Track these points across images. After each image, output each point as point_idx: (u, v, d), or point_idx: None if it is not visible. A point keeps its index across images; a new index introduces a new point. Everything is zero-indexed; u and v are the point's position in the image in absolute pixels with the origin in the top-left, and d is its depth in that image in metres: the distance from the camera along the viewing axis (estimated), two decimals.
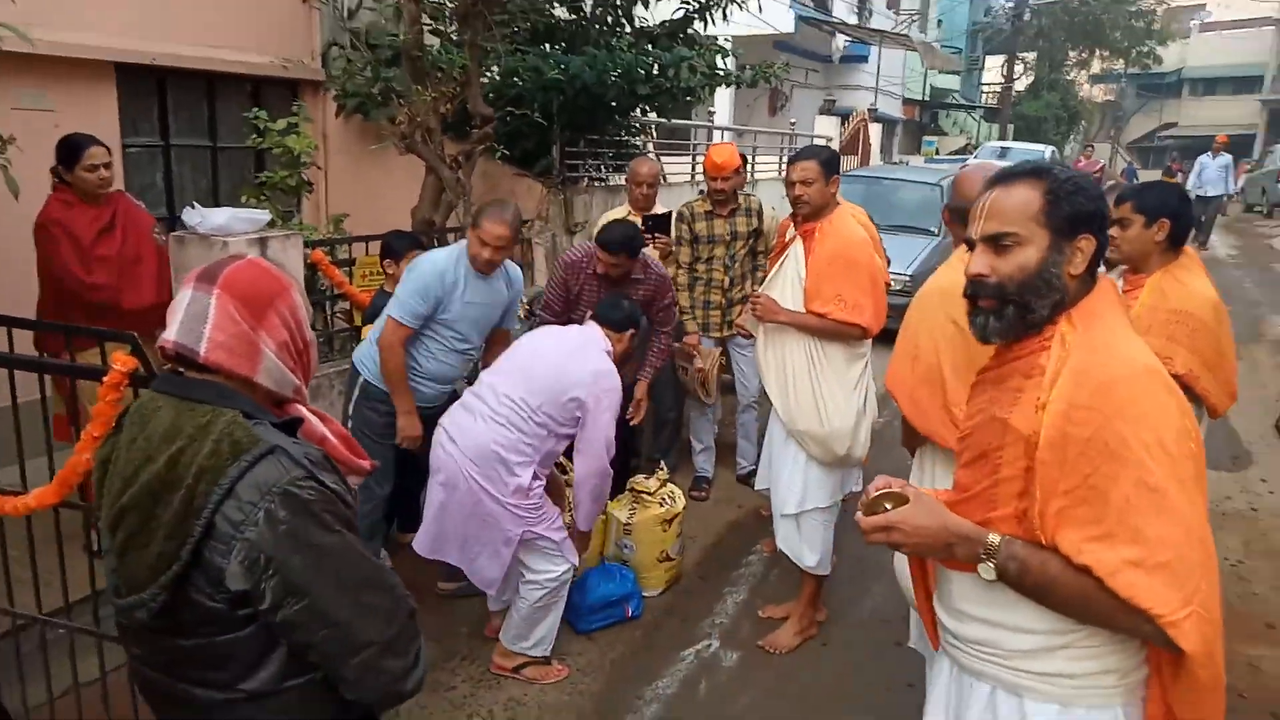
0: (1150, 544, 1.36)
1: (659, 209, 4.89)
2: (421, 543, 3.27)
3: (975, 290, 1.57)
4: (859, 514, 1.57)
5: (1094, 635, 1.49)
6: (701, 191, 4.89)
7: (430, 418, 3.44)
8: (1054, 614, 1.49)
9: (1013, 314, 1.53)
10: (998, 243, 1.53)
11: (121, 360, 2.36)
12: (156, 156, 5.65)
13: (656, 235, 4.67)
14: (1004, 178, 1.58)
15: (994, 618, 1.56)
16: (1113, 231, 2.94)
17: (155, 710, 1.49)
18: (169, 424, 1.34)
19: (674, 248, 4.80)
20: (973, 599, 1.58)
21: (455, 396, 3.55)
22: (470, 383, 4.66)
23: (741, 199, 4.76)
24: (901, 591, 2.67)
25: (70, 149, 3.80)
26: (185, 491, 1.29)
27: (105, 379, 2.36)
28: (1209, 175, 15.14)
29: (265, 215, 4.02)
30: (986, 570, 1.49)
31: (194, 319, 1.39)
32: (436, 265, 3.47)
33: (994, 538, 1.49)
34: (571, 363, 3.19)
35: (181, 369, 1.42)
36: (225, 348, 1.39)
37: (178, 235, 3.97)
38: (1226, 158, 15.37)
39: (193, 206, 3.91)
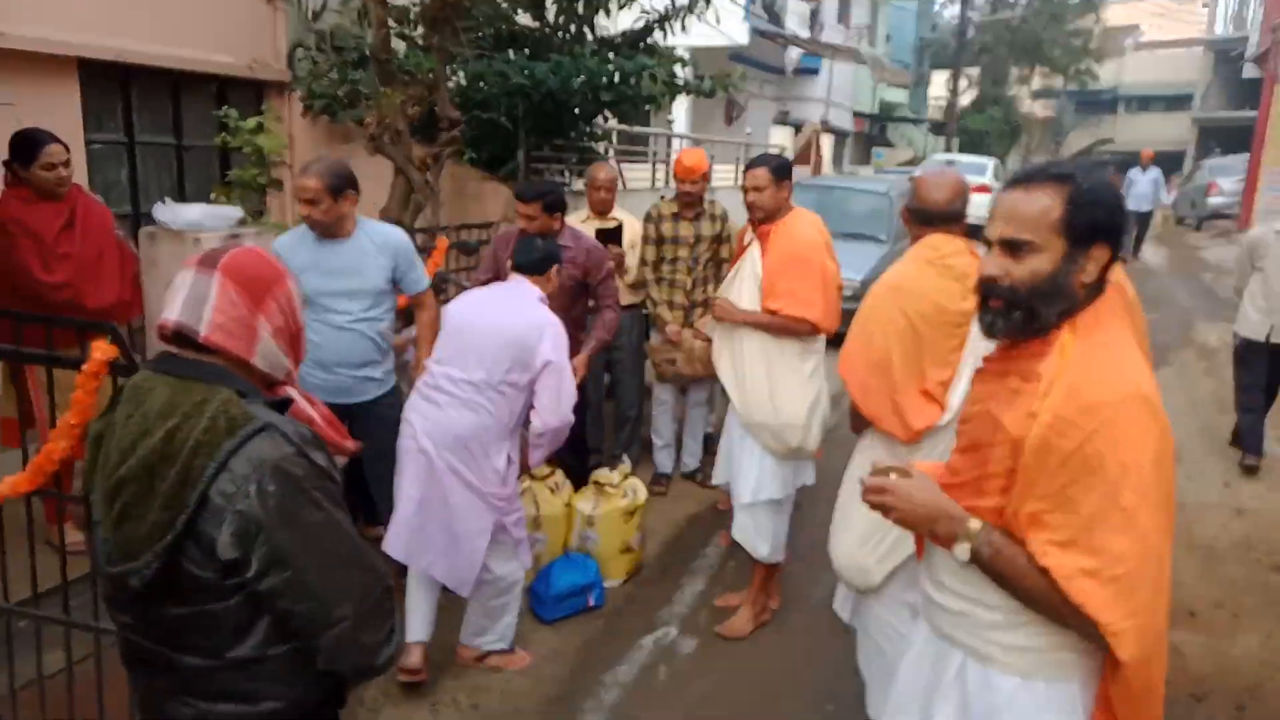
0: (1108, 557, 1.46)
1: (616, 216, 5.05)
2: (395, 547, 3.22)
3: (987, 290, 1.61)
4: (864, 475, 1.70)
5: None
6: (663, 197, 5.06)
7: (348, 411, 3.36)
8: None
9: (1020, 318, 1.57)
10: (1013, 247, 1.56)
11: (101, 349, 2.41)
12: (121, 153, 5.65)
13: (609, 246, 4.79)
14: (1026, 179, 1.59)
15: (969, 593, 1.67)
16: None
17: (139, 677, 1.56)
18: (165, 401, 1.41)
19: (641, 246, 4.96)
20: (951, 571, 1.69)
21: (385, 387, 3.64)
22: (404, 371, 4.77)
23: (707, 204, 4.93)
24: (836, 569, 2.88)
25: (27, 146, 3.67)
26: (181, 465, 1.35)
27: (85, 367, 2.41)
28: (1139, 190, 15.17)
29: (238, 212, 4.10)
30: (961, 550, 1.59)
31: (195, 300, 1.47)
32: (278, 240, 3.56)
33: (975, 523, 1.59)
34: (510, 322, 3.18)
35: (175, 350, 1.50)
36: (224, 329, 1.46)
37: (149, 230, 4.02)
38: (1156, 171, 15.40)
39: (164, 202, 3.96)
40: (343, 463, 2.89)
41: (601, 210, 5.06)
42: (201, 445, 1.36)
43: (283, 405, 1.56)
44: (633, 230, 5.10)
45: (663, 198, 5.04)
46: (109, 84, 5.52)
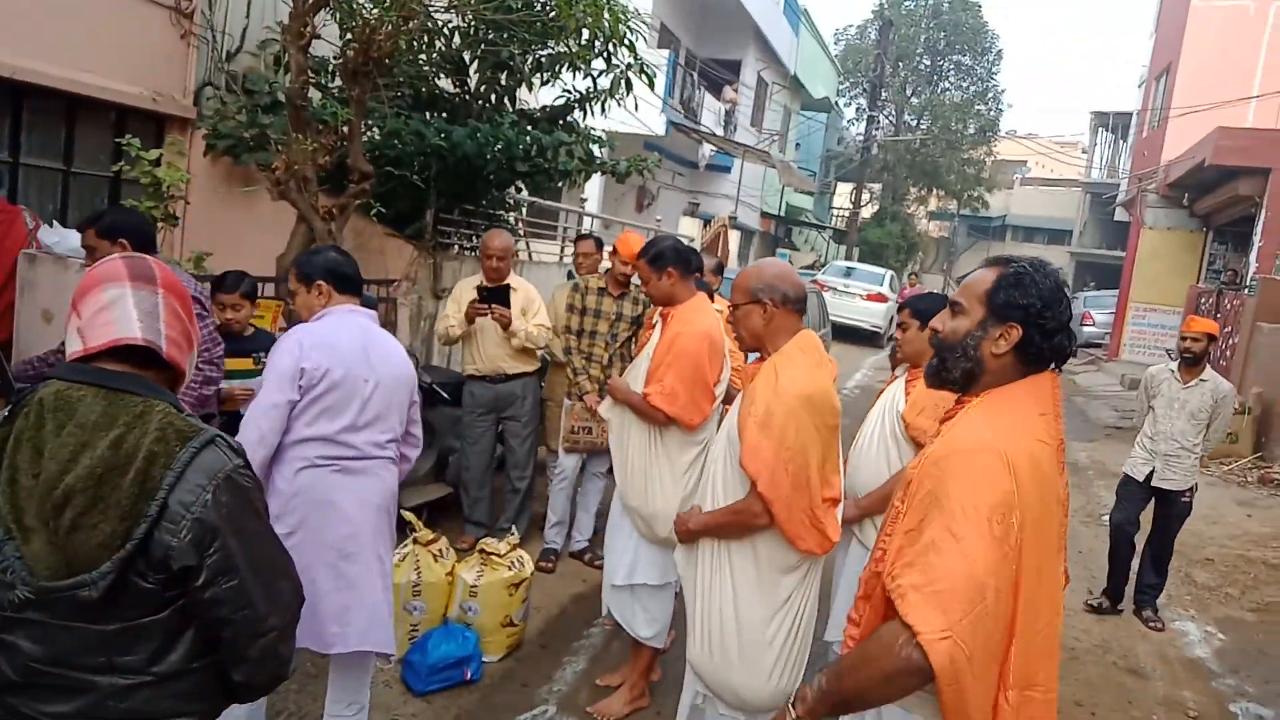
0: (935, 575, 1.57)
1: (511, 283, 4.98)
2: (332, 641, 2.77)
3: (930, 340, 1.90)
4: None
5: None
6: (569, 274, 5.06)
7: None
8: None
9: (935, 364, 1.84)
10: (954, 308, 1.83)
11: None
12: (3, 173, 5.35)
13: (492, 305, 4.82)
14: (988, 263, 1.87)
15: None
16: (895, 334, 3.43)
17: (28, 708, 1.42)
18: (101, 412, 1.39)
19: (565, 315, 4.93)
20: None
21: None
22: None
23: (633, 287, 4.97)
24: None
25: None
26: (135, 475, 1.36)
27: None
28: None
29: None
30: None
31: (150, 316, 1.47)
32: None
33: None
34: (400, 361, 2.91)
35: (101, 364, 1.45)
36: (176, 345, 1.50)
37: (29, 253, 3.80)
38: None
39: (52, 225, 3.76)
40: None
41: (494, 280, 4.93)
42: (157, 455, 1.38)
43: (208, 419, 1.55)
44: (526, 297, 5.07)
45: (569, 274, 5.05)
46: None
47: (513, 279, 5.03)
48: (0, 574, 1.37)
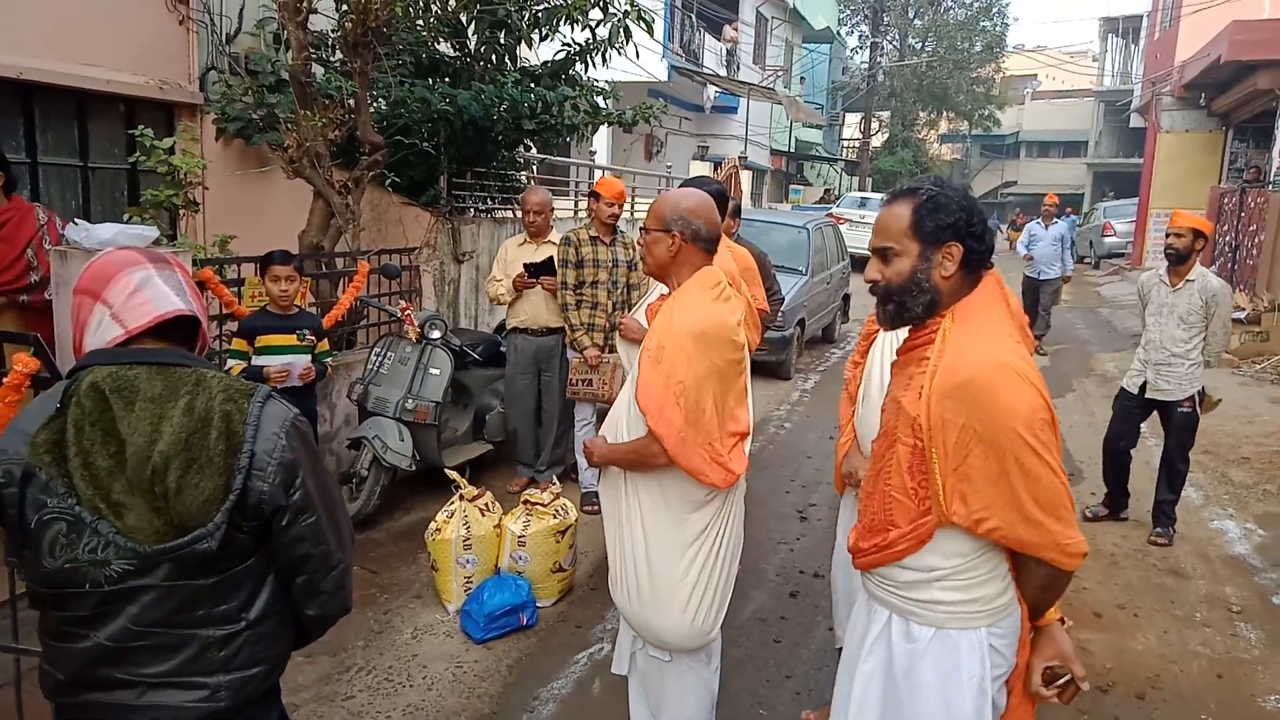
0: (1025, 506, 1.68)
1: (553, 240, 5.19)
2: None
3: (871, 290, 1.91)
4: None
5: (963, 573, 1.79)
6: (584, 226, 5.11)
7: None
8: (927, 556, 1.80)
9: (893, 309, 1.86)
10: (883, 254, 1.86)
11: (24, 361, 2.34)
12: (23, 175, 5.44)
13: (541, 279, 5.11)
14: (889, 199, 1.90)
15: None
16: None
17: (126, 673, 1.49)
18: (162, 385, 1.48)
19: (560, 270, 5.00)
20: None
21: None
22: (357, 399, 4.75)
23: (619, 232, 5.08)
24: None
25: None
26: (218, 432, 1.46)
27: (7, 379, 2.33)
28: (1042, 250, 10.74)
29: (153, 231, 4.00)
30: None
31: (180, 290, 1.57)
32: None
33: None
34: None
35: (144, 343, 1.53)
36: (204, 313, 1.62)
37: (59, 250, 3.89)
38: (1062, 226, 10.84)
39: (76, 223, 3.85)
40: None
41: (536, 233, 5.25)
42: (232, 413, 1.48)
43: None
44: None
45: (584, 226, 5.10)
46: (10, 103, 5.33)
47: (555, 234, 5.25)
48: (91, 554, 1.44)
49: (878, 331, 2.96)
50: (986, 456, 1.67)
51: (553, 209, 5.38)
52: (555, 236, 5.25)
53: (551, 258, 5.08)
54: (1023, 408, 1.65)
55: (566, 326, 5.01)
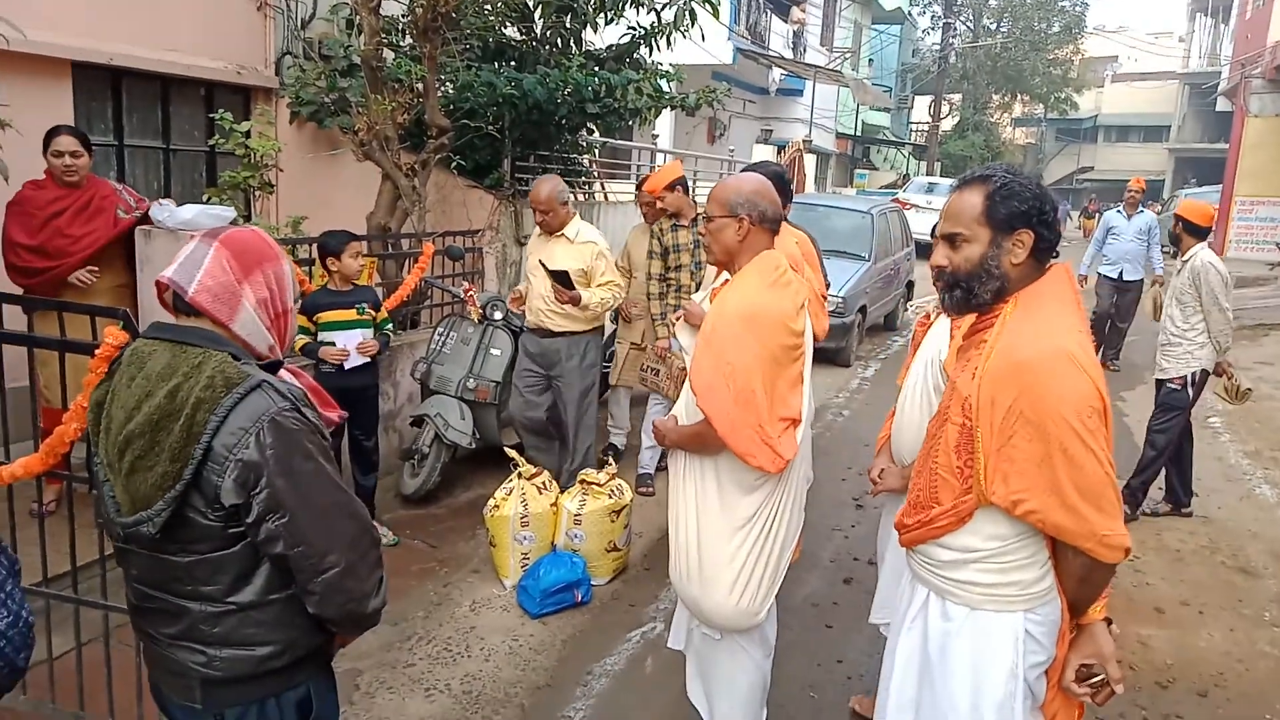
0: (1065, 492, 1.67)
1: (566, 235, 4.63)
2: None
3: (937, 276, 1.92)
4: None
5: (1001, 556, 1.80)
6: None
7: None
8: (966, 537, 1.82)
9: (960, 296, 1.87)
10: (952, 240, 1.86)
11: (114, 334, 2.46)
12: (110, 156, 5.68)
13: (559, 289, 4.50)
14: (961, 184, 1.90)
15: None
16: None
17: (147, 625, 1.64)
18: (165, 364, 1.52)
19: (646, 262, 5.05)
20: None
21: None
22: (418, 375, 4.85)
23: (699, 212, 5.01)
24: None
25: (46, 136, 4.02)
26: (184, 420, 1.47)
27: (98, 351, 2.46)
28: (1124, 248, 8.85)
29: (231, 212, 4.16)
30: None
31: (192, 263, 1.59)
32: None
33: None
34: None
35: (173, 317, 1.61)
36: (211, 292, 1.58)
37: (144, 229, 4.07)
38: (1148, 217, 8.91)
39: (160, 203, 4.03)
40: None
41: (551, 230, 4.63)
42: (203, 402, 1.47)
43: (275, 366, 1.67)
44: (585, 257, 4.62)
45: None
46: (100, 87, 5.56)
47: (572, 228, 4.64)
48: (106, 514, 1.57)
49: (924, 333, 2.92)
50: (1032, 439, 1.68)
51: (565, 202, 4.60)
52: (573, 231, 4.64)
53: (566, 272, 4.48)
54: (1073, 394, 1.66)
55: (650, 319, 5.07)
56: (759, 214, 2.55)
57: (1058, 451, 1.66)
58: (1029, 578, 1.81)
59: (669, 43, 7.51)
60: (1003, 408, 1.70)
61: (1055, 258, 1.87)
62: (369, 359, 4.18)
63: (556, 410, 4.82)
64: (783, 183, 3.88)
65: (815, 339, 3.48)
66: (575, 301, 4.51)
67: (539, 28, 7.36)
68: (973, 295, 1.84)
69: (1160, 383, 5.18)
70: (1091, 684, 1.84)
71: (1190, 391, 5.02)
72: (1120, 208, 9.05)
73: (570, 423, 4.77)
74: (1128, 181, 9.35)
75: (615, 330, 5.82)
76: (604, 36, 7.77)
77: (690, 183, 5.60)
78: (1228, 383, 5.20)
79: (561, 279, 4.47)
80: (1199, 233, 5.10)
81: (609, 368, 5.68)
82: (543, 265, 4.52)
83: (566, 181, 7.56)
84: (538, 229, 4.77)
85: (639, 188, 5.22)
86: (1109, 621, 1.90)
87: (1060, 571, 1.82)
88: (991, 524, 1.80)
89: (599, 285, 4.66)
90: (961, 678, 1.86)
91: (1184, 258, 5.09)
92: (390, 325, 4.50)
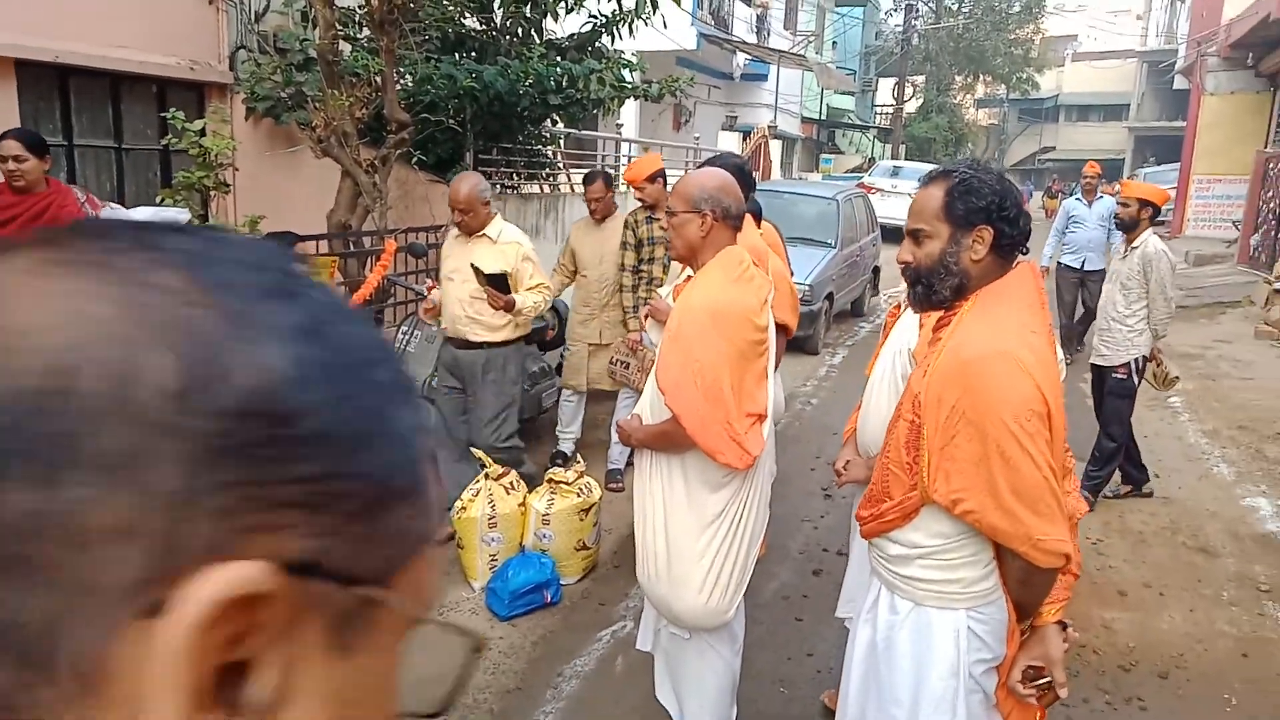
0: (1000, 494, 1.69)
1: (488, 235, 4.29)
2: None
3: (903, 272, 1.95)
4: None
5: (944, 553, 1.84)
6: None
7: None
8: (912, 533, 1.87)
9: (921, 291, 1.89)
10: (915, 236, 1.89)
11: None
12: (59, 156, 5.55)
13: (490, 292, 4.17)
14: (925, 181, 1.94)
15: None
16: None
17: None
18: None
19: (620, 253, 5.05)
20: None
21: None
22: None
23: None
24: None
25: None
26: None
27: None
28: (1088, 235, 8.45)
29: (185, 215, 4.07)
30: None
31: None
32: None
33: None
34: None
35: None
36: None
37: None
38: (1109, 201, 8.14)
39: (111, 206, 3.94)
40: None
41: (469, 231, 4.27)
42: None
43: None
44: (509, 258, 4.27)
45: (640, 206, 5.05)
46: (46, 86, 5.43)
47: (493, 227, 4.30)
48: None
49: (894, 323, 2.93)
50: (971, 439, 1.70)
51: (486, 201, 4.27)
52: (495, 231, 4.30)
53: (505, 274, 4.19)
54: (1014, 396, 1.68)
55: (622, 311, 5.09)
56: (722, 210, 2.54)
57: (995, 453, 1.68)
58: (971, 576, 1.84)
59: (631, 30, 7.47)
60: (947, 406, 1.73)
61: (1024, 254, 1.89)
62: None
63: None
64: (744, 175, 3.88)
65: (786, 334, 3.51)
66: (510, 307, 4.21)
67: (499, 18, 7.29)
68: (933, 291, 1.86)
69: (1097, 368, 5.22)
70: (1038, 685, 1.86)
71: (1136, 379, 5.07)
72: (1078, 195, 8.84)
73: (480, 439, 4.35)
74: (1087, 163, 9.13)
75: (562, 332, 5.80)
76: (565, 25, 7.71)
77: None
78: (1156, 369, 5.19)
79: (498, 283, 4.15)
80: (1158, 215, 5.15)
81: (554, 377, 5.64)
82: (474, 268, 4.12)
83: (530, 173, 7.50)
84: (454, 230, 4.42)
85: (586, 183, 5.20)
86: (1064, 625, 1.91)
87: (1003, 574, 1.85)
88: (935, 521, 1.84)
89: (528, 289, 4.32)
90: (904, 671, 1.90)
91: (1134, 244, 5.04)
92: None
